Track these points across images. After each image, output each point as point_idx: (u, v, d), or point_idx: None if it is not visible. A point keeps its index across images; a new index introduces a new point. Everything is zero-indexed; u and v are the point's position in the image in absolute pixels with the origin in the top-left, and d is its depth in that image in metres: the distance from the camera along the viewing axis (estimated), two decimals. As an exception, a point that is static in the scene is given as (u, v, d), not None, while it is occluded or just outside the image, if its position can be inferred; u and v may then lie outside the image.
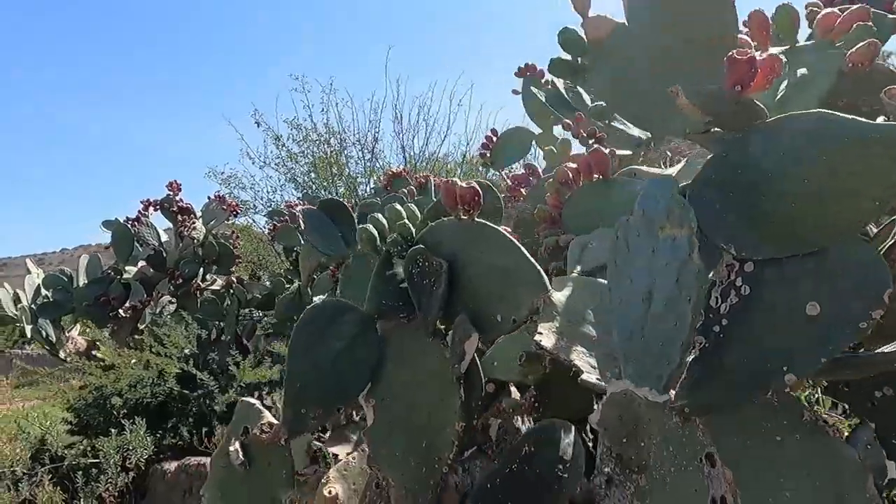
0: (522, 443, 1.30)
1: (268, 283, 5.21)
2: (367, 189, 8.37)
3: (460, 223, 1.19)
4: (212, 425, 4.04)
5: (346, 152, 9.32)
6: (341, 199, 2.73)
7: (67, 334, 5.15)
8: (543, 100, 2.26)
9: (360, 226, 1.31)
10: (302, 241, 5.10)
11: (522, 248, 1.10)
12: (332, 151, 9.16)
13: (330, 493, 1.23)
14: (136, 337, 4.92)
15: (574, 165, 1.29)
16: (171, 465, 3.76)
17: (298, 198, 8.01)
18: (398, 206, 1.36)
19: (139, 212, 5.12)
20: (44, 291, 5.09)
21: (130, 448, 3.79)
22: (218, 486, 1.18)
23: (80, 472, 3.61)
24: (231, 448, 1.12)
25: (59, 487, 3.53)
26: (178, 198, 5.12)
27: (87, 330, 5.26)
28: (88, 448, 3.77)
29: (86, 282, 5.11)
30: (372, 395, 1.24)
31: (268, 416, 1.18)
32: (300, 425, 1.16)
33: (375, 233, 1.31)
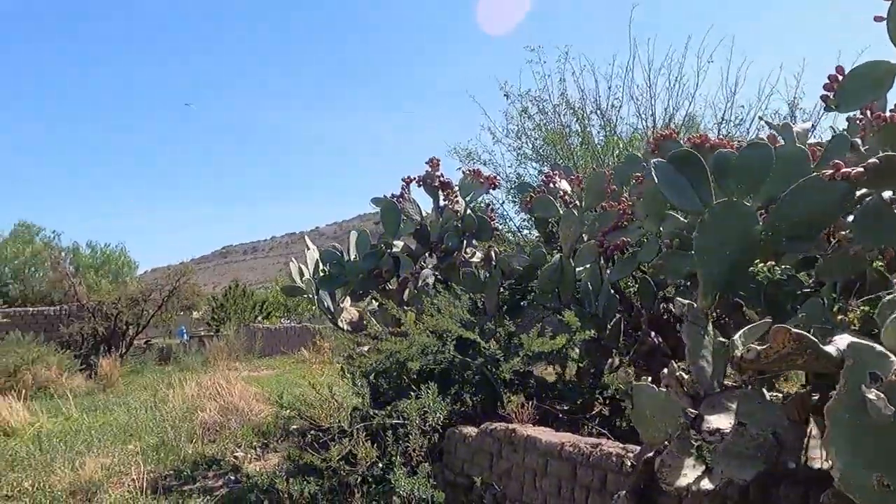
0: None
1: (527, 255, 5.18)
2: (608, 160, 7.98)
3: None
4: (498, 392, 4.08)
5: (586, 121, 8.99)
6: (692, 151, 2.52)
7: (342, 305, 5.55)
8: None
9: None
10: (562, 211, 4.99)
11: None
12: (576, 120, 8.91)
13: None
14: (406, 308, 5.14)
15: None
16: (471, 430, 3.84)
17: (540, 171, 7.96)
18: None
19: (402, 188, 5.34)
20: (321, 266, 5.52)
21: (427, 411, 3.94)
22: (852, 440, 1.03)
23: (389, 432, 3.83)
24: (870, 396, 0.96)
25: (374, 444, 3.77)
26: (438, 173, 5.26)
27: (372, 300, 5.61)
28: (393, 411, 3.98)
29: (356, 256, 5.46)
30: None
31: (894, 360, 1.00)
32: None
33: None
